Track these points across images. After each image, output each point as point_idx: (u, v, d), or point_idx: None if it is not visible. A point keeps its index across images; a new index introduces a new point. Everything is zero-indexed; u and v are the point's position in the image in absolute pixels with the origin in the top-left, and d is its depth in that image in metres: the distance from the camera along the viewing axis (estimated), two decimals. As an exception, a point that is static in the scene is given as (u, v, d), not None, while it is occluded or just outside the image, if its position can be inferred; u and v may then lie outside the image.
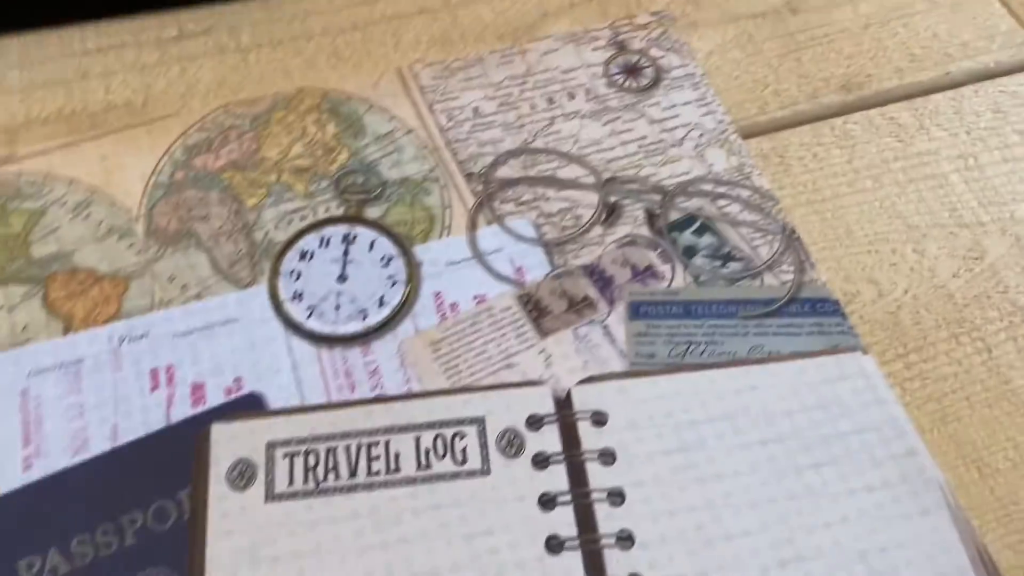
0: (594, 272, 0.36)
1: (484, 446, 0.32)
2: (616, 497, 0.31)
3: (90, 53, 0.43)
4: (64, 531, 0.30)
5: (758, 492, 0.31)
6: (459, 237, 0.37)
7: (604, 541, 0.30)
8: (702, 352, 0.34)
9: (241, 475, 0.31)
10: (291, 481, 0.31)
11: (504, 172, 0.39)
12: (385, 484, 0.31)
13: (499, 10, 0.44)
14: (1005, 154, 0.40)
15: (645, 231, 0.37)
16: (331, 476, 0.31)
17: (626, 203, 0.38)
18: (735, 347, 0.34)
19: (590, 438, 0.32)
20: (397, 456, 0.32)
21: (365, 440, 0.32)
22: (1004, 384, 0.34)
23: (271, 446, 0.32)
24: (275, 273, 0.35)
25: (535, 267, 0.36)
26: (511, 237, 0.37)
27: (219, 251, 0.36)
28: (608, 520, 0.31)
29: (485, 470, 0.31)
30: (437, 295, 0.35)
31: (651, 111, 0.41)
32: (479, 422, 0.32)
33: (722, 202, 0.38)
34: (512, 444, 0.32)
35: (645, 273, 0.36)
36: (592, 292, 0.36)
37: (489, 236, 0.37)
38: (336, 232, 0.37)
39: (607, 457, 0.32)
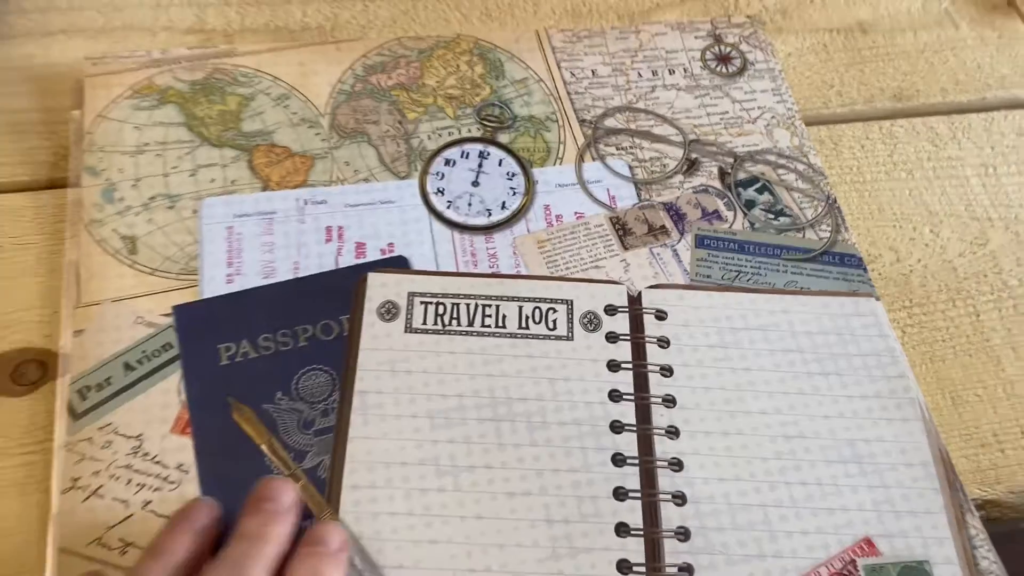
0: (671, 208, 0.46)
1: (570, 320, 0.42)
2: (666, 371, 0.40)
3: (290, -16, 0.54)
4: (253, 329, 0.40)
5: (775, 385, 0.40)
6: (568, 166, 0.46)
7: (653, 399, 0.40)
8: (748, 279, 0.44)
9: (388, 311, 0.41)
10: (424, 321, 0.41)
11: (610, 122, 0.48)
12: (493, 334, 0.41)
13: (622, -5, 0.54)
14: (1021, 168, 0.49)
15: (716, 183, 0.46)
16: (454, 322, 0.41)
17: (704, 161, 0.47)
18: (775, 280, 0.44)
19: (652, 327, 0.42)
20: (504, 317, 0.41)
21: (481, 302, 0.42)
22: (985, 341, 0.43)
23: (412, 295, 0.42)
24: (425, 172, 0.45)
25: (625, 198, 0.46)
26: (609, 172, 0.46)
27: (384, 149, 0.46)
28: (658, 386, 0.40)
29: (569, 337, 0.41)
30: (546, 207, 0.45)
31: (734, 93, 0.50)
32: (568, 303, 0.42)
33: (781, 171, 0.47)
34: (592, 322, 0.42)
35: (712, 215, 0.45)
36: (668, 223, 0.45)
37: (592, 170, 0.47)
38: (474, 148, 0.47)
39: (663, 342, 0.41)
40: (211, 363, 0.39)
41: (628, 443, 0.38)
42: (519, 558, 0.36)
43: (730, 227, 0.45)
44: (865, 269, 0.44)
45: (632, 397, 0.40)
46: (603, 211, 0.45)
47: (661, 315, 0.42)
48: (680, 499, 0.37)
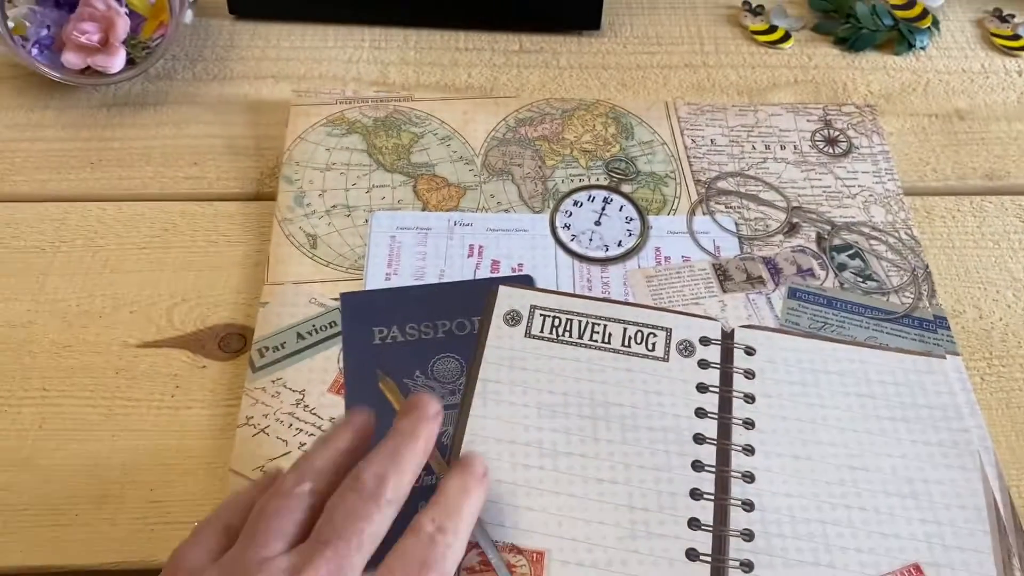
0: (769, 262, 0.52)
1: (668, 345, 0.48)
2: (749, 398, 0.46)
3: (460, 50, 0.63)
4: (402, 319, 0.48)
5: (847, 423, 0.45)
6: (681, 217, 0.53)
7: (734, 420, 0.45)
8: (833, 330, 0.49)
9: (512, 318, 0.49)
10: (541, 329, 0.48)
11: (722, 184, 0.55)
12: (598, 348, 0.48)
13: (742, 76, 0.62)
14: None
15: (813, 246, 0.52)
16: (566, 334, 0.48)
17: (803, 225, 0.53)
18: (856, 334, 0.49)
19: (740, 360, 0.47)
20: (610, 335, 0.48)
21: (591, 320, 0.49)
22: (1058, 393, 0.47)
23: (533, 307, 0.49)
24: (556, 209, 0.53)
25: (729, 249, 0.52)
26: (717, 226, 0.53)
27: (524, 187, 0.54)
28: (740, 409, 0.46)
29: (665, 358, 0.47)
30: (657, 249, 0.52)
31: (837, 171, 0.56)
32: (667, 331, 0.48)
33: (873, 242, 0.53)
34: (687, 349, 0.48)
35: (806, 272, 0.51)
36: (765, 274, 0.51)
37: (702, 223, 0.53)
38: (600, 194, 0.54)
39: (749, 374, 0.47)
40: (366, 341, 0.47)
41: (708, 454, 0.44)
42: (601, 533, 0.41)
43: (821, 284, 0.51)
44: (945, 329, 0.49)
45: (716, 416, 0.45)
46: (707, 257, 0.52)
47: (750, 351, 0.48)
48: (749, 506, 0.43)
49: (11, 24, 0.57)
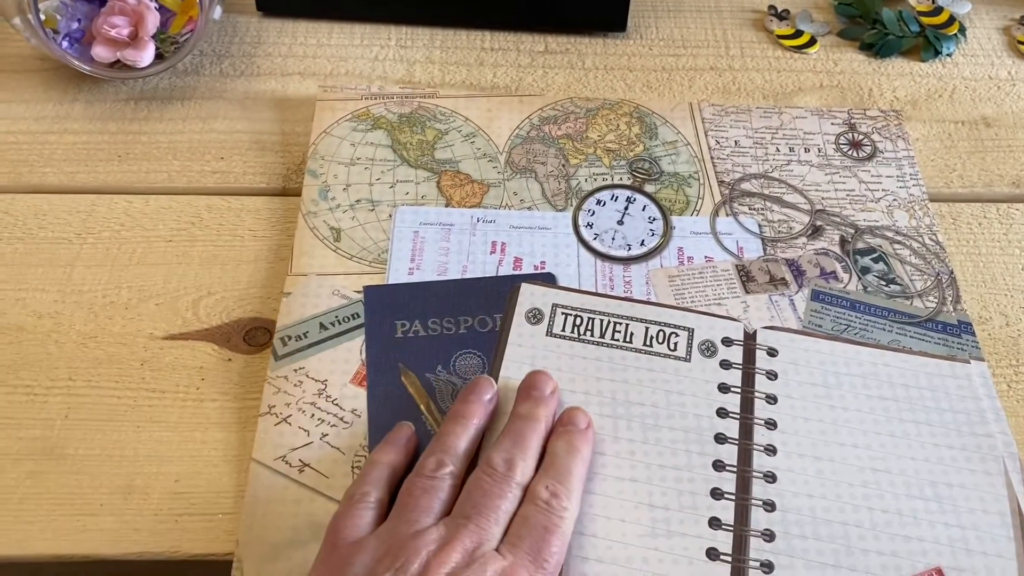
0: (793, 264, 0.51)
1: (690, 345, 0.48)
2: (771, 399, 0.46)
3: (486, 50, 0.64)
4: (424, 313, 0.48)
5: (869, 425, 0.45)
6: (704, 218, 0.53)
7: (756, 420, 0.45)
8: (856, 333, 0.49)
9: (534, 316, 0.49)
10: (563, 328, 0.48)
11: (746, 186, 0.55)
12: (620, 347, 0.48)
13: (767, 79, 0.62)
14: None
15: (836, 249, 0.52)
16: (588, 333, 0.48)
17: (827, 228, 0.53)
18: (880, 337, 0.48)
19: (762, 361, 0.47)
20: (632, 334, 0.48)
21: (613, 319, 0.49)
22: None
23: (555, 305, 0.49)
24: (579, 208, 0.53)
25: (752, 250, 0.52)
26: (740, 228, 0.53)
27: (547, 185, 0.54)
28: (762, 410, 0.45)
29: (687, 359, 0.47)
30: (680, 249, 0.52)
31: (862, 175, 0.56)
32: (690, 331, 0.48)
33: (897, 246, 0.52)
34: (709, 349, 0.48)
35: (829, 275, 0.51)
36: (788, 276, 0.51)
37: (725, 224, 0.53)
38: (623, 194, 0.54)
39: (771, 375, 0.47)
40: (388, 334, 0.47)
41: (729, 453, 0.44)
42: (621, 531, 0.41)
43: (844, 287, 0.50)
44: (969, 334, 0.48)
45: (737, 416, 0.45)
46: (730, 258, 0.52)
47: (772, 352, 0.48)
48: (770, 506, 0.42)
49: (42, 17, 0.57)
